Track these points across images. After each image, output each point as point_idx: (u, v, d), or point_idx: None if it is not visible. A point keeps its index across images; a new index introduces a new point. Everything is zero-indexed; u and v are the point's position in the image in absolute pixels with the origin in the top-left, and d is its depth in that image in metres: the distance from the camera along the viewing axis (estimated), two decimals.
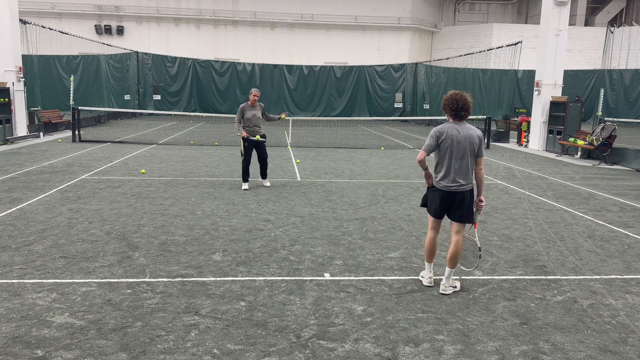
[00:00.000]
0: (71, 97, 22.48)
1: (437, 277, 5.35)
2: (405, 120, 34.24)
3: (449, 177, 4.92)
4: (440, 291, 5.02)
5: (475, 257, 5.14)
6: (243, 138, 9.81)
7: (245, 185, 10.00)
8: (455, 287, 5.10)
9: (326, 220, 7.73)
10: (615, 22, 45.88)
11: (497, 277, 5.48)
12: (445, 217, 5.13)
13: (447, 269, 5.03)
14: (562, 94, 19.03)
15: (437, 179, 5.02)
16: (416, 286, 5.18)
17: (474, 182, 5.05)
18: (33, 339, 3.92)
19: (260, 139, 9.88)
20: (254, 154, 10.00)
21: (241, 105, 9.90)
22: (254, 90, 9.93)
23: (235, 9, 41.98)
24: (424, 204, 5.30)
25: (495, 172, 13.05)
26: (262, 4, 41.94)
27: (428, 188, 5.17)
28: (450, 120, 5.00)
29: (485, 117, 20.37)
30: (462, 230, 5.03)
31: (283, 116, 10.56)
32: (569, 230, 7.48)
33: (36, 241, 6.32)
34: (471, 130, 4.94)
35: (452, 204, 4.96)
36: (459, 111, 4.91)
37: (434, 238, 5.16)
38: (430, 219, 5.18)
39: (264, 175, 10.30)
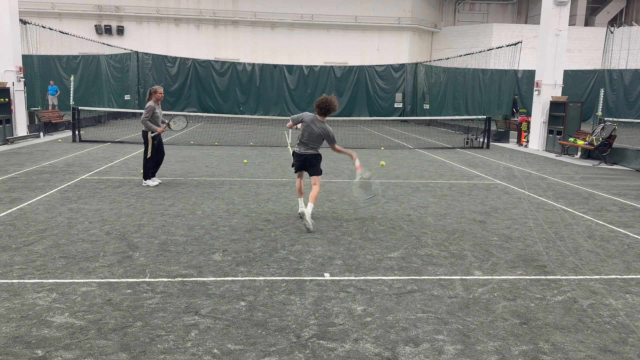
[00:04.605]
0: (71, 97, 22.49)
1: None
2: (405, 120, 34.25)
3: (306, 147, 7.36)
4: (307, 226, 6.98)
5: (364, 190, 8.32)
6: (154, 136, 9.87)
7: (155, 181, 10.02)
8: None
9: (326, 220, 7.73)
10: (615, 22, 45.88)
11: (497, 277, 5.48)
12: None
13: (311, 205, 7.16)
14: (562, 94, 19.03)
15: (298, 149, 7.41)
16: (416, 286, 5.18)
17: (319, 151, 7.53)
18: (33, 339, 3.92)
19: (174, 127, 10.68)
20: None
21: (151, 105, 9.78)
22: (160, 88, 9.98)
23: (235, 9, 42.00)
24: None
25: (495, 172, 13.05)
26: (262, 4, 41.96)
27: (293, 154, 7.57)
28: (316, 114, 7.29)
29: (485, 117, 20.37)
30: (318, 180, 7.45)
31: (170, 125, 10.56)
32: (569, 230, 7.48)
33: (36, 241, 6.32)
34: (325, 125, 7.28)
35: (307, 163, 7.43)
36: (325, 111, 7.24)
37: (300, 182, 7.83)
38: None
39: (154, 173, 10.17)
